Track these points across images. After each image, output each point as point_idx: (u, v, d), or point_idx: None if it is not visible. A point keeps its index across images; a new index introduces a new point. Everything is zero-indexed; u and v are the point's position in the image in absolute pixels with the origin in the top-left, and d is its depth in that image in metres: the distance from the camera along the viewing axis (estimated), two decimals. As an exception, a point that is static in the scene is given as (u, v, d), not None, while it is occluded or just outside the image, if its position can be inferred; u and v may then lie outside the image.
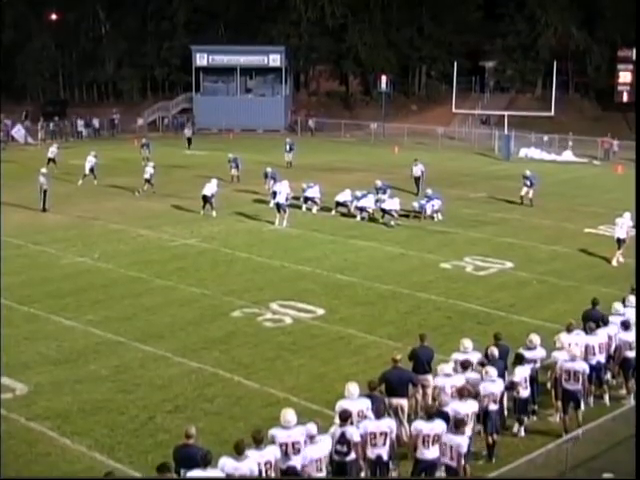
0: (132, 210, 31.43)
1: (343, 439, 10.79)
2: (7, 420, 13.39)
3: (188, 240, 26.54)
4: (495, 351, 13.20)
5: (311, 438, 10.44)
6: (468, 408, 11.68)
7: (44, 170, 32.21)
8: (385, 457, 11.07)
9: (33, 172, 32.73)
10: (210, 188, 30.37)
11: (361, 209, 29.86)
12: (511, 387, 12.88)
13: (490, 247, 25.76)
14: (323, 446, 10.51)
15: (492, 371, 12.47)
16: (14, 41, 72.00)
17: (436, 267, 23.38)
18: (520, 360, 13.12)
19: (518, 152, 50.30)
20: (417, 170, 35.11)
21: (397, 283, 21.54)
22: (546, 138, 52.49)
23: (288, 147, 43.36)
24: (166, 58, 72.70)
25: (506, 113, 53.35)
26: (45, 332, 17.63)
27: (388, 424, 11.16)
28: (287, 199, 29.19)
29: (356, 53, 70.23)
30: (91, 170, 36.47)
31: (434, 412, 11.27)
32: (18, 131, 58.41)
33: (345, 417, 10.93)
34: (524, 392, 13.05)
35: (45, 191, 31.28)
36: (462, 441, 10.95)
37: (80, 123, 61.99)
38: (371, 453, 11.02)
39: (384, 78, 63.74)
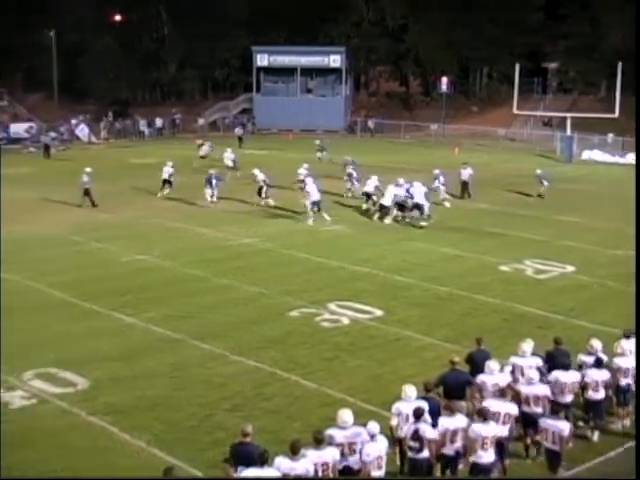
0: (190, 209, 31.75)
1: (416, 436, 10.79)
2: (69, 414, 13.63)
3: (246, 240, 26.70)
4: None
5: (372, 437, 10.44)
6: (504, 408, 11.61)
7: (88, 169, 32.73)
8: (460, 452, 11.10)
9: (94, 171, 33.18)
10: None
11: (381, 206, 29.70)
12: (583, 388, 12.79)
13: (550, 250, 25.42)
14: (383, 444, 10.49)
15: (532, 374, 12.35)
16: (78, 42, 73.26)
17: (494, 269, 23.15)
18: (599, 364, 12.92)
19: (580, 154, 49.57)
20: (465, 174, 34.76)
21: (454, 285, 21.38)
22: (610, 140, 51.64)
23: (319, 147, 45.47)
24: (227, 59, 73.34)
25: (568, 115, 52.61)
26: (106, 328, 17.89)
27: (462, 421, 11.13)
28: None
29: (416, 54, 70.00)
30: (167, 181, 34.43)
31: (487, 413, 11.18)
32: (82, 130, 59.57)
33: (418, 414, 10.93)
34: (597, 395, 12.84)
35: (87, 190, 31.89)
36: (564, 425, 11.13)
37: (142, 123, 62.91)
38: (448, 449, 11.02)
39: (444, 79, 63.37)
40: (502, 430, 11.28)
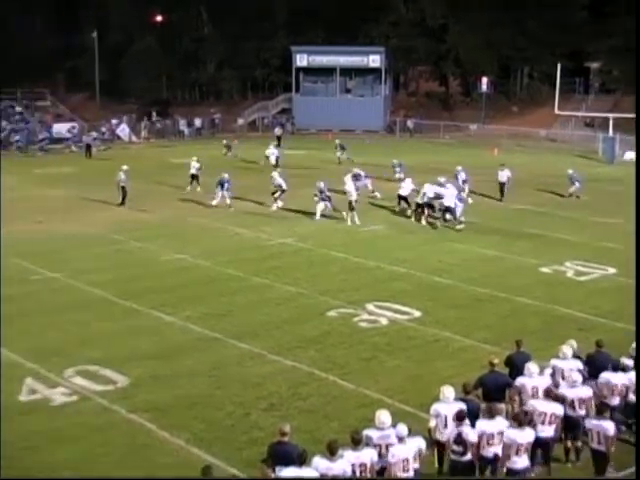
0: (228, 209, 31.82)
1: (459, 439, 10.74)
2: (109, 411, 13.77)
3: (284, 239, 26.77)
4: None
5: (400, 439, 10.39)
6: (550, 408, 11.50)
7: (125, 167, 33.14)
8: (499, 454, 11.02)
9: (131, 171, 33.54)
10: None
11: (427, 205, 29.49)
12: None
13: (591, 251, 25.14)
14: (411, 446, 10.41)
15: (575, 376, 12.21)
16: (120, 43, 73.99)
17: (534, 271, 22.96)
18: None
19: (623, 155, 48.93)
20: (503, 175, 34.38)
21: (493, 286, 21.24)
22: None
23: (339, 147, 45.35)
24: (266, 59, 73.54)
25: (611, 115, 51.99)
26: (145, 327, 18.05)
27: (501, 424, 11.04)
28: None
29: (456, 54, 69.61)
30: (194, 176, 35.52)
31: (522, 418, 11.07)
32: (123, 130, 60.13)
33: (461, 417, 10.88)
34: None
35: (123, 187, 32.37)
36: (608, 425, 11.04)
37: (182, 123, 63.37)
38: (487, 452, 10.93)
39: (484, 79, 62.99)
40: (548, 430, 11.15)
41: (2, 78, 60.86)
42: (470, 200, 32.31)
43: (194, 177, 35.43)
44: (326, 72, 67.56)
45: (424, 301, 19.97)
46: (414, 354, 16.51)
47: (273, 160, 41.41)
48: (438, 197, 29.31)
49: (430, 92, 74.70)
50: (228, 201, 31.72)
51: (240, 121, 65.76)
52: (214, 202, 31.75)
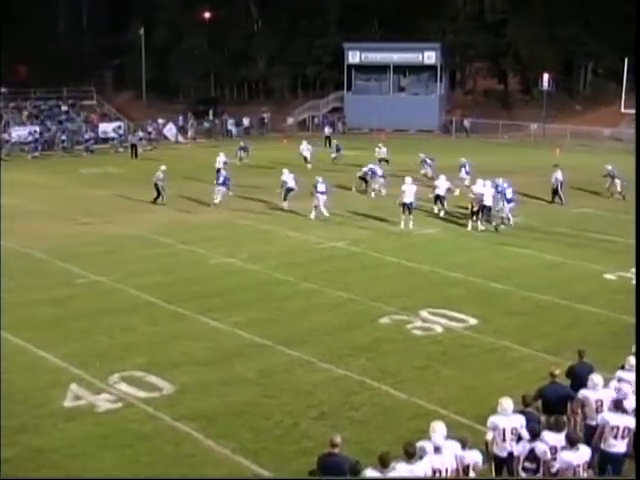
0: (279, 211, 32.01)
1: (532, 456, 10.58)
2: (154, 419, 13.87)
3: (335, 243, 26.82)
4: None
5: (436, 449, 10.23)
6: (622, 421, 11.27)
7: (163, 167, 34.10)
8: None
9: (177, 171, 33.98)
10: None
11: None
12: None
13: (659, 258, 24.71)
14: (448, 458, 10.22)
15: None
16: (167, 40, 74.82)
17: (598, 277, 22.66)
18: None
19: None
20: (556, 177, 34.04)
21: (555, 293, 21.00)
22: None
23: (335, 148, 46.83)
24: (318, 56, 73.75)
25: (681, 114, 51.09)
26: (192, 332, 18.18)
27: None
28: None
29: (516, 49, 69.01)
30: (219, 170, 36.20)
31: (576, 437, 10.82)
32: (170, 130, 60.79)
33: (534, 433, 10.71)
34: None
35: (159, 186, 33.13)
36: None
37: (230, 122, 63.85)
38: (554, 467, 10.66)
39: (546, 76, 62.33)
40: (620, 445, 10.93)
41: (49, 77, 62.00)
42: (457, 192, 32.92)
43: (219, 171, 35.77)
44: (379, 69, 67.57)
45: (481, 308, 19.83)
46: (470, 364, 16.39)
47: (307, 154, 43.31)
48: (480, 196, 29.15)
49: (488, 90, 74.21)
50: (218, 198, 32.67)
51: (290, 120, 66.03)
52: (215, 199, 32.76)
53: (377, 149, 43.31)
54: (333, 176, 37.20)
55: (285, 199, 32.34)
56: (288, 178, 32.67)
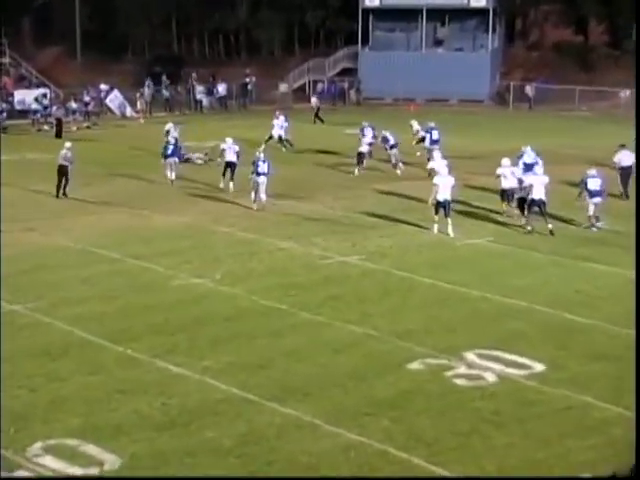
0: (268, 214, 32.06)
1: None
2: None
3: (346, 257, 26.84)
4: None
5: None
6: None
7: (68, 144, 35.49)
8: None
9: (124, 158, 34.05)
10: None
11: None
12: None
13: None
14: None
15: None
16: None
17: None
18: None
19: None
20: (622, 158, 34.68)
21: (656, 329, 21.00)
22: None
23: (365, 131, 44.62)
24: (321, -4, 73.92)
25: None
26: (146, 383, 18.14)
27: None
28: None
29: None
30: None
31: None
32: (114, 99, 60.89)
33: None
34: None
35: (63, 171, 34.47)
36: None
37: (200, 89, 64.03)
38: None
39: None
40: None
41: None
42: (399, 171, 35.67)
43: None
44: (407, 15, 67.82)
45: (550, 349, 19.82)
46: (535, 427, 16.37)
47: (275, 134, 45.28)
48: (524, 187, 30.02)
49: (561, 43, 74.30)
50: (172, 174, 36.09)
51: (283, 87, 66.30)
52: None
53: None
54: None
55: (224, 175, 35.13)
56: (229, 149, 35.28)
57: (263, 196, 32.31)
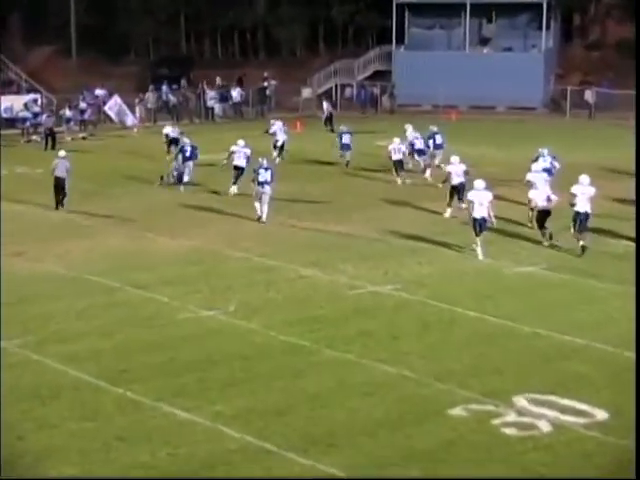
0: (287, 235, 32.16)
1: None
2: None
3: (380, 287, 26.84)
4: None
5: None
6: None
7: (62, 153, 36.55)
8: None
9: (132, 172, 34.12)
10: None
11: None
12: None
13: None
14: None
15: None
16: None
17: None
18: None
19: None
20: None
21: None
22: None
23: (339, 139, 46.44)
24: (350, -10, 74.08)
25: None
26: (150, 430, 18.16)
27: None
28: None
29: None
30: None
31: None
32: (113, 107, 61.01)
33: None
34: None
35: (59, 184, 34.97)
36: None
37: (211, 94, 64.11)
38: None
39: None
40: None
41: None
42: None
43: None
44: (448, 10, 67.99)
45: (615, 394, 19.72)
46: (598, 485, 16.34)
47: (281, 139, 46.54)
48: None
49: (625, 42, 74.02)
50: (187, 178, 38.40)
51: (306, 92, 66.44)
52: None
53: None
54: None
55: (235, 182, 36.58)
56: (239, 152, 37.01)
57: (266, 207, 33.25)
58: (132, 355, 21.80)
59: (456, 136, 46.06)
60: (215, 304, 25.28)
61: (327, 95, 64.68)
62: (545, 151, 37.29)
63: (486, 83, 63.21)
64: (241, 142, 38.16)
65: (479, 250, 29.42)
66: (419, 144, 42.61)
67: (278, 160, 44.34)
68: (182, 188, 39.55)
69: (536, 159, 36.63)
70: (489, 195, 29.94)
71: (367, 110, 66.18)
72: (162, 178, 40.26)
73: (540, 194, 31.12)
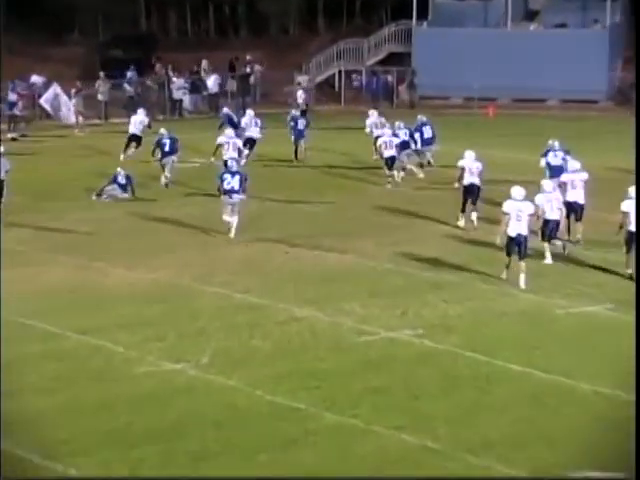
0: (276, 265, 32.21)
1: None
2: None
3: (396, 332, 26.87)
4: None
5: None
6: None
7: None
8: None
9: (78, 182, 34.13)
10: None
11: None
12: None
13: None
14: None
15: None
16: None
17: None
18: None
19: None
20: None
21: None
22: None
23: (294, 124, 49.82)
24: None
25: None
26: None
27: None
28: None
29: None
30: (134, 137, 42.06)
31: None
32: (50, 99, 61.17)
33: None
34: None
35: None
36: None
37: (178, 83, 64.28)
38: None
39: None
40: None
41: None
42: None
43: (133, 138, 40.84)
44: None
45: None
46: None
47: (255, 135, 48.00)
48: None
49: None
50: (166, 174, 40.33)
51: (301, 79, 66.57)
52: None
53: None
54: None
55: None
56: (228, 144, 39.88)
57: (235, 219, 34.46)
58: (75, 421, 21.73)
59: (494, 136, 46.25)
60: (183, 355, 25.25)
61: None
62: (556, 144, 38.32)
63: (533, 69, 63.36)
64: (230, 131, 40.13)
65: (521, 278, 29.59)
66: (403, 135, 43.49)
67: (244, 162, 44.05)
68: (164, 179, 41.78)
69: (545, 153, 37.82)
70: (530, 207, 30.02)
71: (380, 104, 66.00)
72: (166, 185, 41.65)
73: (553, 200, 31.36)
